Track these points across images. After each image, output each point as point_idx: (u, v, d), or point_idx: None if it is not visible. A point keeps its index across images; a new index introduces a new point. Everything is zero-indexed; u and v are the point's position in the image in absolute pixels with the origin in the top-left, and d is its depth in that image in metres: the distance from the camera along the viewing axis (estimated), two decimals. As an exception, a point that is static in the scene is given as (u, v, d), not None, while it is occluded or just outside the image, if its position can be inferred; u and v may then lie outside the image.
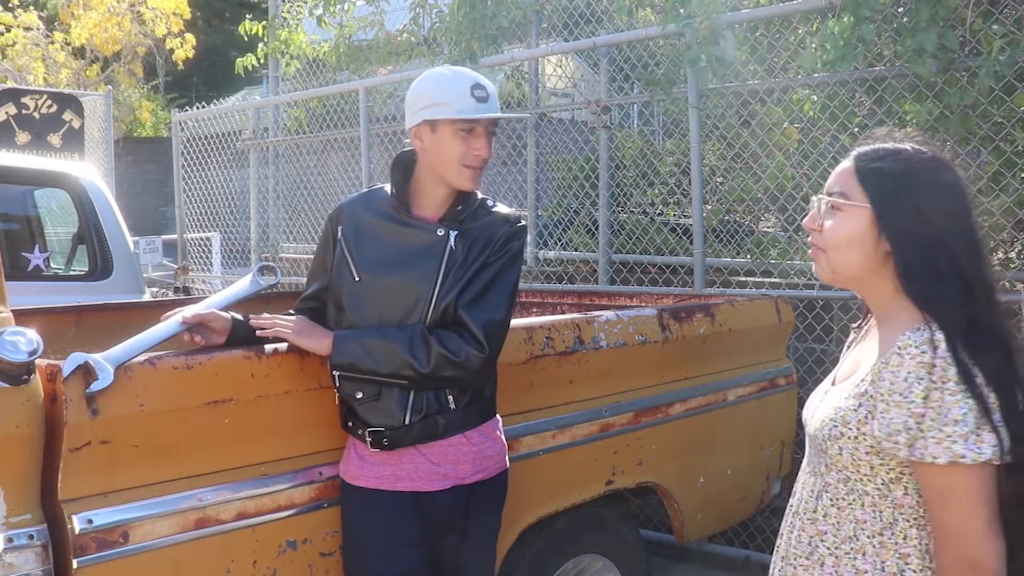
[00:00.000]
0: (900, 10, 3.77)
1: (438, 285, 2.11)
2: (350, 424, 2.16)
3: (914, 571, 1.46)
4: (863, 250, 1.52)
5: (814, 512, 1.58)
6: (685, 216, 5.66)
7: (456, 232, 2.14)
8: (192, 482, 1.93)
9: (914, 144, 1.55)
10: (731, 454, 3.26)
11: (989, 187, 3.80)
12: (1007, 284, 3.93)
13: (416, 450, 2.12)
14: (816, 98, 4.22)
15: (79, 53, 15.08)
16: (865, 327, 1.68)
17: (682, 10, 4.22)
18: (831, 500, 1.55)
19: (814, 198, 1.62)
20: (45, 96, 7.73)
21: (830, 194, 1.57)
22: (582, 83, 7.47)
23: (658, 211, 5.86)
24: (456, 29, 5.62)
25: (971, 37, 3.74)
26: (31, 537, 1.72)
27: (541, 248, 5.82)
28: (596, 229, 5.30)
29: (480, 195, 2.23)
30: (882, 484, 1.49)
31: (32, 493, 1.75)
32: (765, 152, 4.75)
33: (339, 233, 2.22)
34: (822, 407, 1.60)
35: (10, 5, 14.13)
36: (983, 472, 1.37)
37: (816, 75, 4.14)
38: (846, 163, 1.58)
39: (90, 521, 1.77)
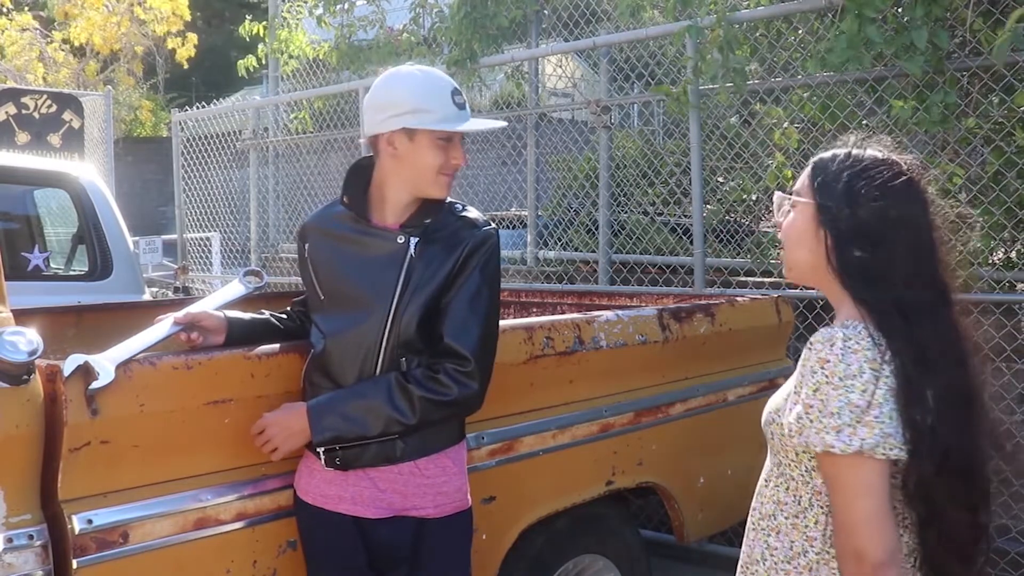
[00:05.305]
0: (899, 10, 3.77)
1: (396, 297, 1.97)
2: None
3: (816, 553, 1.54)
4: (807, 245, 1.58)
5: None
6: (685, 216, 5.66)
7: (417, 239, 2.00)
8: (192, 482, 1.93)
9: (883, 150, 1.57)
10: (731, 454, 3.25)
11: (989, 187, 3.80)
12: (1008, 284, 3.93)
13: (364, 473, 2.00)
14: (816, 98, 4.22)
15: (78, 52, 15.06)
16: None
17: (688, 9, 4.22)
18: (765, 480, 1.66)
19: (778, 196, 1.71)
20: (45, 96, 7.73)
21: (791, 194, 1.65)
22: (582, 83, 7.47)
23: (658, 211, 5.85)
24: (456, 29, 5.63)
25: (971, 37, 3.73)
26: (31, 537, 1.71)
27: (541, 248, 5.81)
28: (596, 229, 5.29)
29: (448, 199, 2.10)
30: (805, 471, 1.56)
31: (32, 493, 1.75)
32: (765, 152, 4.74)
33: (306, 251, 2.13)
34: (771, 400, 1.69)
35: (4, 8, 14.11)
36: (861, 464, 1.42)
37: (816, 75, 4.14)
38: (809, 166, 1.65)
39: (90, 521, 1.77)
